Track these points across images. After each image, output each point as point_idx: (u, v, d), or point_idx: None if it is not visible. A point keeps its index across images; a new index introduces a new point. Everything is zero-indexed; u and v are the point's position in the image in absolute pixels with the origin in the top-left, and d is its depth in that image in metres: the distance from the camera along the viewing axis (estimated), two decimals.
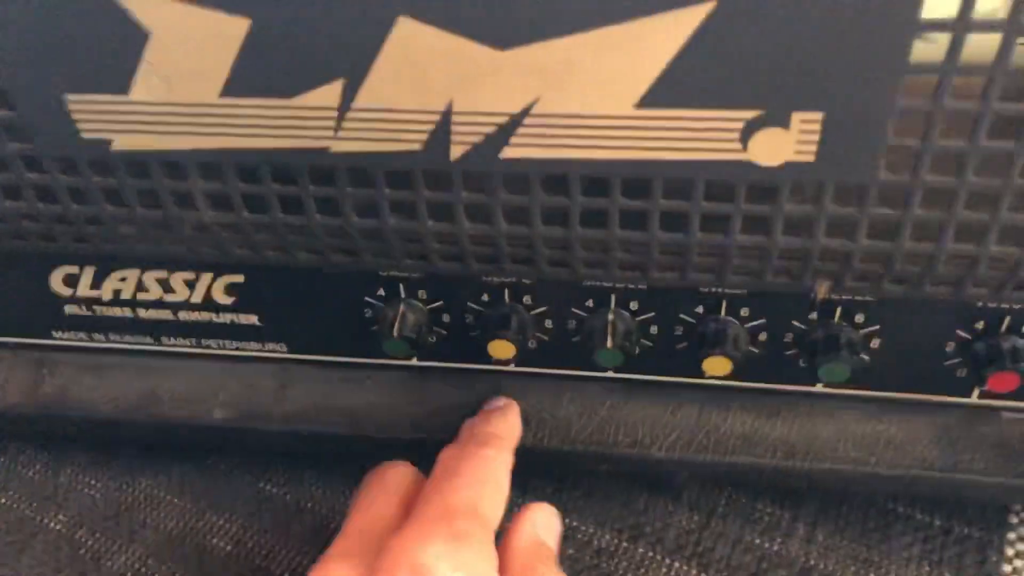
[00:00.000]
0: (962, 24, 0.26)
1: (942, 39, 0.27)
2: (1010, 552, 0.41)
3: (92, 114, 0.33)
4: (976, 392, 0.39)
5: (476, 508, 0.34)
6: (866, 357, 0.38)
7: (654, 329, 0.39)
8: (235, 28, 0.29)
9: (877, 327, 0.38)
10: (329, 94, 0.31)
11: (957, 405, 0.40)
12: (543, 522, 0.37)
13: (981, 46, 0.27)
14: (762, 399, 0.41)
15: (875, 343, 0.38)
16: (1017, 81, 0.28)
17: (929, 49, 0.28)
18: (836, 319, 0.38)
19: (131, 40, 0.30)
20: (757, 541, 0.42)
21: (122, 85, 0.32)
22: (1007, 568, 0.40)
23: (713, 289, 0.38)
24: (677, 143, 0.30)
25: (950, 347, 0.38)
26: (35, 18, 0.30)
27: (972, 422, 0.40)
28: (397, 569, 0.31)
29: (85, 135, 0.33)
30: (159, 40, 0.30)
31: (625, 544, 0.42)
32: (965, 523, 0.42)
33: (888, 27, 0.27)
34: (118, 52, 0.31)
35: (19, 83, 0.32)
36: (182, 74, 0.31)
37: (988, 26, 0.26)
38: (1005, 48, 0.27)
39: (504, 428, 0.40)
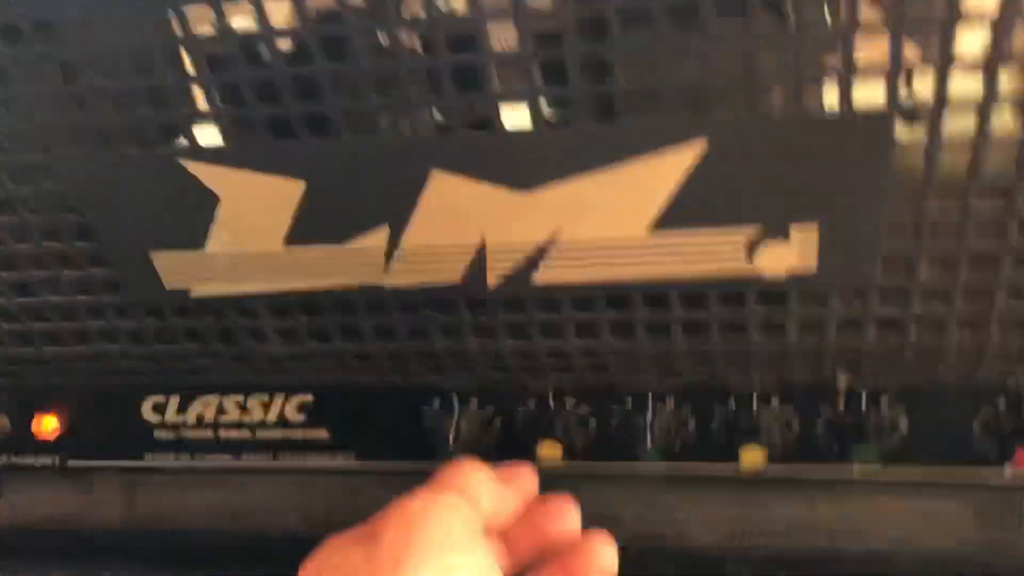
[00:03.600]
0: (933, 147, 0.29)
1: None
2: None
3: (173, 267, 0.37)
4: (1008, 468, 0.41)
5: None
6: (896, 439, 0.40)
7: (692, 425, 0.42)
8: (293, 189, 0.34)
9: (903, 410, 0.40)
10: (376, 238, 0.35)
11: (993, 478, 0.42)
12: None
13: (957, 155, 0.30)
14: (802, 485, 0.43)
15: (903, 425, 0.40)
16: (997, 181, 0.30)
17: (911, 160, 0.31)
18: (863, 405, 0.40)
19: (204, 204, 0.35)
20: None
21: (198, 241, 0.36)
22: None
23: (743, 384, 0.40)
24: (690, 260, 0.34)
25: (976, 425, 0.40)
26: (126, 189, 0.35)
27: (1009, 495, 0.41)
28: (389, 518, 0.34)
29: (167, 285, 0.38)
30: (228, 203, 0.35)
31: None
32: None
33: (867, 150, 0.30)
34: (194, 214, 0.35)
35: (110, 244, 0.37)
36: (249, 229, 0.35)
37: (958, 144, 0.29)
38: (976, 159, 0.30)
39: (451, 478, 0.37)
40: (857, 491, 0.43)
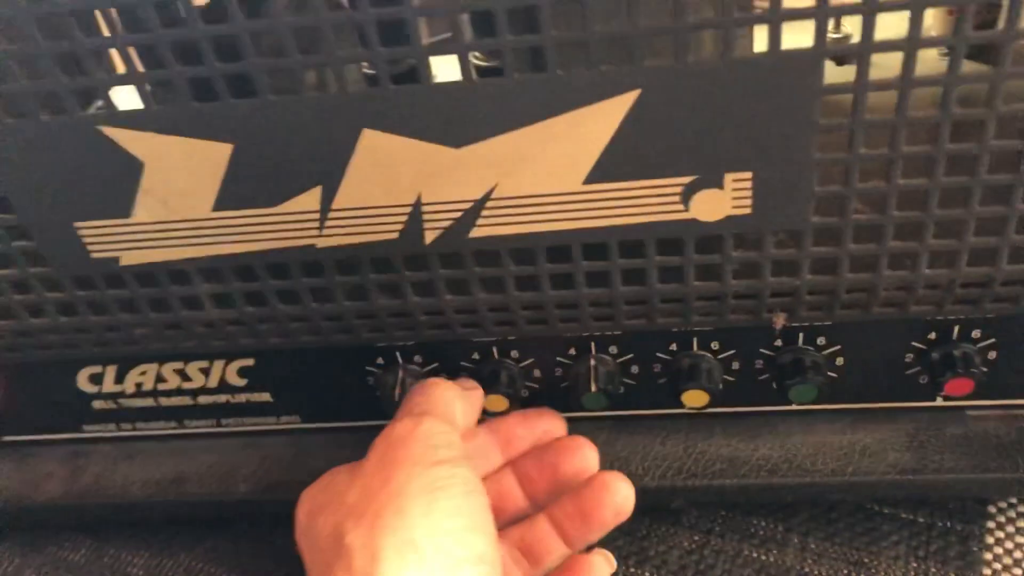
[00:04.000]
0: (861, 87, 0.29)
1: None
2: (990, 540, 0.43)
3: (100, 237, 0.36)
4: (940, 399, 0.42)
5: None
6: (832, 374, 0.41)
7: (635, 369, 0.42)
8: (220, 152, 0.33)
9: (838, 347, 0.41)
10: (310, 200, 0.34)
11: (925, 409, 0.43)
12: None
13: (885, 97, 0.31)
14: (742, 423, 0.44)
15: (839, 361, 0.41)
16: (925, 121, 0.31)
17: (839, 104, 0.31)
18: (799, 343, 0.41)
19: (128, 171, 0.34)
20: (754, 555, 0.45)
21: (124, 209, 0.35)
22: (988, 556, 0.42)
23: (682, 328, 0.41)
24: (626, 210, 0.34)
25: (909, 358, 0.41)
26: (43, 158, 0.34)
27: (940, 424, 0.43)
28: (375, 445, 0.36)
29: (95, 255, 0.37)
30: (152, 169, 0.34)
31: (632, 570, 0.45)
32: (947, 518, 0.44)
33: (796, 93, 0.30)
34: (118, 182, 0.34)
35: (34, 217, 0.36)
36: (177, 195, 0.34)
37: (884, 85, 0.30)
38: (902, 100, 0.30)
39: (426, 401, 0.38)
40: (796, 427, 0.44)
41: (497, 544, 0.35)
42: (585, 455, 0.41)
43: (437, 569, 0.31)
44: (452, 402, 0.38)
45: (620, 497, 0.39)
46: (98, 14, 0.31)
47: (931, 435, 0.42)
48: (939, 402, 0.43)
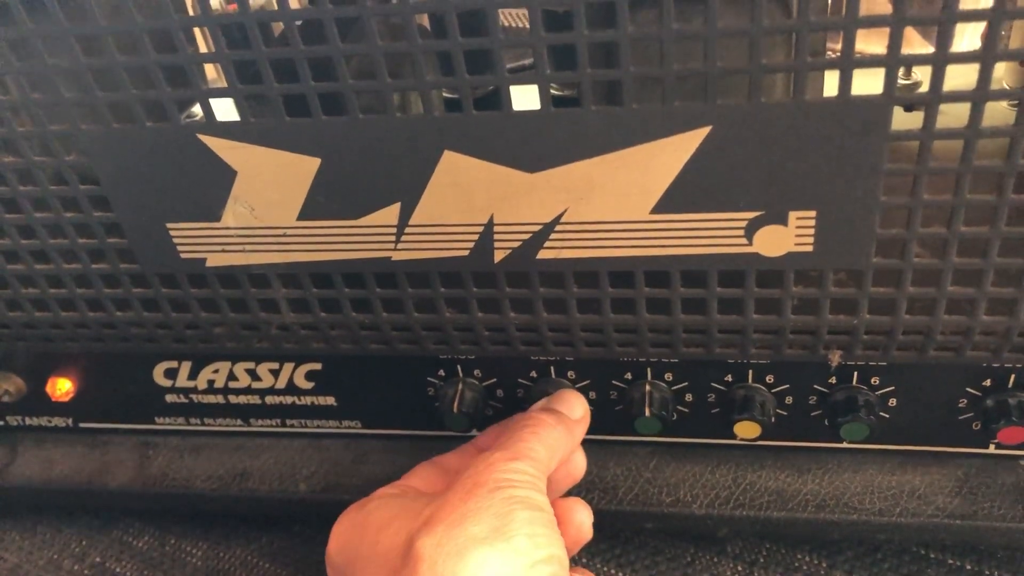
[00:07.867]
0: (928, 136, 0.30)
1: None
2: None
3: (189, 238, 0.38)
4: (992, 447, 0.42)
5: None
6: (885, 414, 0.42)
7: (688, 397, 0.43)
8: (308, 166, 0.35)
9: (892, 388, 0.41)
10: (389, 215, 0.36)
11: (977, 455, 0.43)
12: None
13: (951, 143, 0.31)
14: (792, 457, 0.45)
15: (892, 402, 0.42)
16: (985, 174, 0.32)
17: (904, 149, 0.32)
18: (854, 382, 0.41)
19: (221, 178, 0.36)
20: None
21: (215, 214, 0.37)
22: None
23: (739, 360, 0.41)
24: (690, 240, 0.35)
25: (963, 403, 0.41)
26: (143, 162, 0.36)
27: (991, 471, 0.43)
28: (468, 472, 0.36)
29: (184, 255, 0.39)
30: (244, 177, 0.36)
31: None
32: (994, 567, 0.44)
33: (864, 137, 0.31)
34: (210, 187, 0.36)
35: (129, 216, 0.38)
36: (264, 203, 0.36)
37: (952, 134, 0.30)
38: (968, 149, 0.31)
39: (534, 440, 0.38)
40: (845, 465, 0.44)
41: (565, 553, 0.36)
42: (571, 459, 0.41)
43: (514, 565, 0.33)
44: (556, 451, 0.39)
45: (573, 529, 0.39)
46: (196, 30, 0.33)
47: (982, 482, 0.43)
48: (992, 449, 0.43)
